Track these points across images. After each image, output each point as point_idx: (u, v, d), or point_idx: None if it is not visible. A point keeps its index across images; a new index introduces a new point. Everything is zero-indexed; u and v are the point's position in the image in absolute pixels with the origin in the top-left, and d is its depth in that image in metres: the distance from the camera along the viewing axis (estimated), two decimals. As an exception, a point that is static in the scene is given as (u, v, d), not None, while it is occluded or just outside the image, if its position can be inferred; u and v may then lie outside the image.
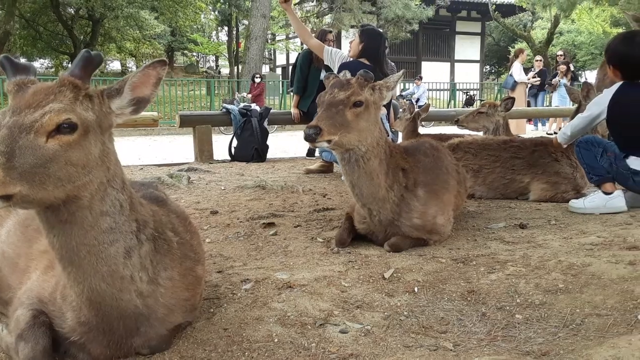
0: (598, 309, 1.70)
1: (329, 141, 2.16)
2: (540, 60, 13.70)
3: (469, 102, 20.03)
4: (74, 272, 1.40)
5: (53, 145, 1.26)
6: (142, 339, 1.53)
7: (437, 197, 2.54)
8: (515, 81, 11.57)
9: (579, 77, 16.80)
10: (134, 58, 28.26)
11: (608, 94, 3.20)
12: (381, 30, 5.73)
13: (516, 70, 11.70)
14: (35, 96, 1.31)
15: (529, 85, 12.76)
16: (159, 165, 6.39)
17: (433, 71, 26.49)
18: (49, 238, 1.38)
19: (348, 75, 2.49)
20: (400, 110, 5.93)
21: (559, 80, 12.01)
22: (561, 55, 13.53)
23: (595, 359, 1.37)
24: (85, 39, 22.69)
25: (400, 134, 5.81)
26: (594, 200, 3.14)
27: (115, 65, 30.94)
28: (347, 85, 2.25)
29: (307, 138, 2.12)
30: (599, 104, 3.24)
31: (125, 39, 24.66)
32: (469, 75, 27.21)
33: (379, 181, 2.37)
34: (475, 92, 22.94)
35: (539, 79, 12.73)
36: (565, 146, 3.62)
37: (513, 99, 4.92)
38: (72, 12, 22.30)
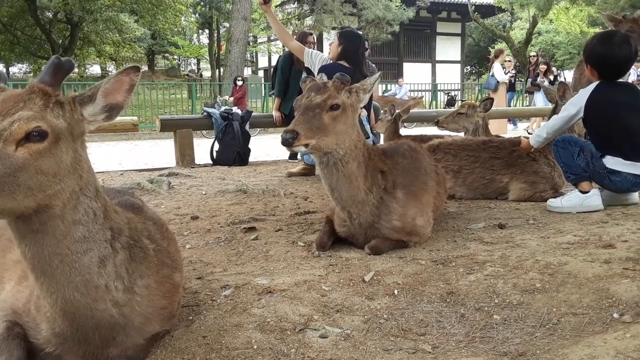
0: (574, 307, 1.72)
1: (306, 145, 2.16)
2: (510, 61, 13.97)
3: (451, 102, 20.18)
4: (47, 283, 1.38)
5: (23, 154, 1.24)
6: (119, 348, 1.51)
7: (416, 199, 2.55)
8: (497, 81, 11.74)
9: (558, 77, 17.08)
10: (114, 62, 27.98)
11: (585, 93, 3.25)
12: (360, 32, 5.74)
13: (497, 71, 11.90)
14: (3, 104, 1.28)
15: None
16: (140, 171, 6.33)
17: (414, 72, 26.68)
18: (21, 248, 1.36)
19: (325, 78, 2.50)
20: (382, 111, 5.95)
21: (543, 81, 12.21)
22: (534, 56, 13.78)
23: (571, 358, 1.39)
24: (64, 43, 22.43)
25: (382, 136, 5.83)
26: (571, 199, 3.18)
27: (95, 69, 30.65)
28: (324, 88, 2.25)
29: (284, 142, 2.12)
30: (575, 104, 3.28)
31: (104, 43, 24.41)
32: (450, 75, 27.45)
33: (357, 184, 2.37)
34: (456, 92, 23.14)
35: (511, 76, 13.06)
36: (533, 149, 3.65)
37: (492, 99, 4.96)
38: (50, 16, 22.04)
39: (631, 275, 1.87)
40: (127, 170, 6.41)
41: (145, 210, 1.81)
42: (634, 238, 2.29)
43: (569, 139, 3.28)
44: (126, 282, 1.48)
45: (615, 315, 1.62)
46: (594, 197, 3.13)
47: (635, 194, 3.26)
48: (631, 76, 14.12)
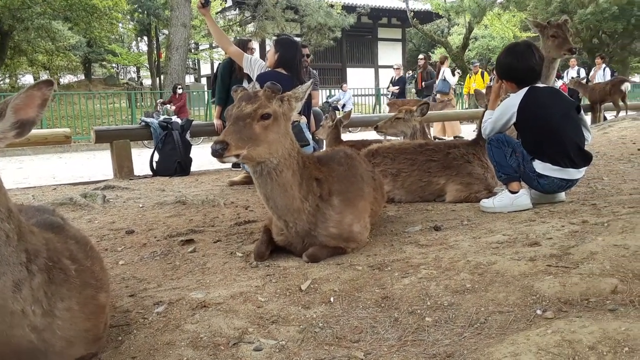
0: (501, 306, 1.77)
1: (237, 155, 2.13)
2: (399, 69, 14.66)
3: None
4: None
5: None
6: (41, 375, 1.43)
7: (353, 205, 2.57)
8: (450, 85, 12.31)
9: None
10: (47, 71, 26.84)
11: (517, 98, 3.36)
12: (297, 39, 5.76)
13: (448, 75, 12.49)
14: None
15: (390, 93, 13.83)
16: (75, 184, 6.09)
17: (358, 77, 27.03)
18: None
19: (257, 86, 2.48)
20: (324, 117, 5.99)
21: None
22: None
23: (495, 356, 1.43)
24: (-7, 53, 21.32)
25: (324, 142, 5.87)
26: (502, 199, 3.29)
27: (27, 79, 29.25)
28: (255, 97, 2.24)
29: (214, 153, 2.09)
30: (506, 111, 3.37)
31: (37, 52, 23.39)
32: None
33: (293, 192, 2.37)
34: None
35: (398, 87, 13.74)
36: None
37: (428, 104, 5.09)
38: (-22, 25, 20.89)
39: (554, 271, 1.95)
40: (60, 185, 6.15)
41: (67, 229, 1.73)
42: (558, 235, 2.39)
43: (503, 139, 3.39)
44: (45, 305, 1.41)
45: (539, 312, 1.68)
46: (523, 197, 3.26)
47: (562, 193, 3.41)
48: (569, 74, 14.96)
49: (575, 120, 3.37)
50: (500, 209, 3.25)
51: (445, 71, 12.69)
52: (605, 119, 12.37)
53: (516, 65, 3.40)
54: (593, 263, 1.97)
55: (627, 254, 2.00)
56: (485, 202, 3.36)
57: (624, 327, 1.46)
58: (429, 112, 5.08)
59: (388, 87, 14.97)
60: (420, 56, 13.79)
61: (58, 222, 1.74)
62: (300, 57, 4.89)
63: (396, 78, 14.54)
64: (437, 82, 12.78)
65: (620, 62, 32.09)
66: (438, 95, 12.61)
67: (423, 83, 13.16)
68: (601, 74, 15.00)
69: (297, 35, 22.39)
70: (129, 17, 26.04)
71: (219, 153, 2.07)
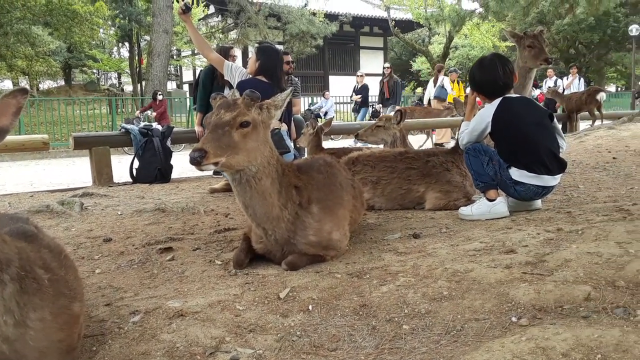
0: (477, 313, 1.79)
1: (215, 163, 2.13)
2: (362, 76, 14.92)
3: (375, 115, 20.67)
4: None
5: None
6: (12, 387, 1.40)
7: (332, 213, 2.58)
8: (447, 92, 12.59)
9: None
10: (27, 76, 26.45)
11: (491, 108, 3.41)
12: (279, 47, 5.78)
13: (446, 83, 12.77)
14: None
15: (354, 102, 14.06)
16: (52, 191, 6.00)
17: (340, 85, 27.13)
18: None
19: (237, 94, 2.48)
20: (305, 124, 6.00)
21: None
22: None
23: (470, 363, 1.44)
24: (-29, 59, 20.98)
25: (306, 150, 5.87)
26: (480, 207, 3.33)
27: (6, 85, 28.79)
28: (234, 105, 2.24)
29: (192, 161, 2.07)
30: (481, 121, 3.42)
31: (16, 57, 23.03)
32: (374, 88, 28.16)
33: (272, 200, 2.37)
34: (380, 105, 23.71)
35: (361, 95, 13.97)
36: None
37: (405, 112, 5.14)
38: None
39: (529, 279, 1.97)
40: (38, 192, 6.05)
41: (41, 238, 1.71)
42: (534, 242, 2.42)
43: (480, 148, 3.44)
44: (17, 315, 1.38)
45: (514, 319, 1.70)
46: (501, 205, 3.31)
47: (538, 200, 3.47)
48: (547, 84, 15.26)
49: (549, 128, 3.44)
50: (478, 216, 3.29)
51: (445, 79, 13.01)
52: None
53: (481, 78, 3.51)
54: (567, 270, 2.00)
55: (600, 262, 2.04)
56: (464, 210, 3.39)
57: (596, 334, 1.48)
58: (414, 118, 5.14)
59: (352, 96, 15.17)
60: (386, 65, 13.90)
61: (31, 231, 1.71)
62: (282, 66, 4.90)
63: (359, 87, 14.70)
64: (434, 88, 13.08)
65: (597, 72, 32.80)
66: (435, 101, 12.89)
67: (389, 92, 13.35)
68: (577, 84, 15.33)
69: (280, 43, 22.45)
70: (110, 22, 25.85)
71: (197, 161, 2.06)
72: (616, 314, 1.63)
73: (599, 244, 2.26)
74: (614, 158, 6.45)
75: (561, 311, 1.71)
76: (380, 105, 13.83)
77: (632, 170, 5.63)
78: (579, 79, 15.85)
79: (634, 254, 2.08)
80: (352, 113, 15.27)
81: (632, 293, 1.77)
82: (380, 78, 14.93)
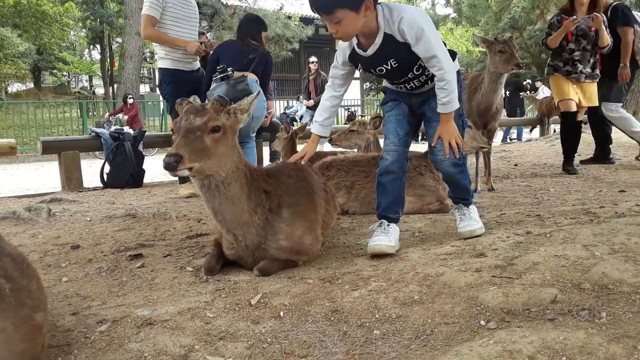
0: (447, 317, 1.80)
1: (190, 169, 2.10)
2: (314, 63, 14.56)
3: (351, 118, 20.76)
4: None
5: None
6: (-30, 401, 1.36)
7: (303, 218, 2.56)
8: None
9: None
10: (-6, 79, 25.83)
11: None
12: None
13: None
14: None
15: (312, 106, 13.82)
16: (19, 197, 5.85)
17: (316, 89, 27.14)
18: None
19: (198, 100, 2.46)
20: (280, 128, 5.98)
21: None
22: None
23: (439, 368, 1.45)
24: None
25: (280, 154, 5.85)
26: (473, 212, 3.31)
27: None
28: (203, 110, 2.21)
29: (167, 167, 2.04)
30: None
31: (-17, 59, 22.48)
32: (350, 92, 28.21)
33: (241, 205, 2.34)
34: (356, 108, 23.85)
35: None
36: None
37: (382, 117, 5.15)
38: None
39: (498, 282, 2.00)
40: (4, 197, 5.90)
41: (2, 246, 1.66)
42: (503, 246, 2.45)
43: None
44: None
45: (482, 323, 1.71)
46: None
47: None
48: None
49: None
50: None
51: None
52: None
53: None
54: (535, 273, 2.03)
55: (567, 264, 2.08)
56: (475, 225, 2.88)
57: (562, 336, 1.51)
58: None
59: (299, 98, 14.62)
60: (312, 59, 11.72)
61: (-8, 239, 1.66)
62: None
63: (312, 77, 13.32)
64: None
65: (567, 77, 33.47)
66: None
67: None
68: (547, 89, 15.70)
69: (255, 46, 22.30)
70: (80, 24, 25.40)
71: (172, 166, 2.03)
72: (581, 316, 1.66)
73: (566, 246, 2.30)
74: (580, 162, 6.60)
75: (528, 314, 1.74)
76: (358, 108, 13.57)
77: (601, 173, 5.77)
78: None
79: (599, 256, 2.12)
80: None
81: (597, 295, 1.81)
82: (357, 82, 14.73)
